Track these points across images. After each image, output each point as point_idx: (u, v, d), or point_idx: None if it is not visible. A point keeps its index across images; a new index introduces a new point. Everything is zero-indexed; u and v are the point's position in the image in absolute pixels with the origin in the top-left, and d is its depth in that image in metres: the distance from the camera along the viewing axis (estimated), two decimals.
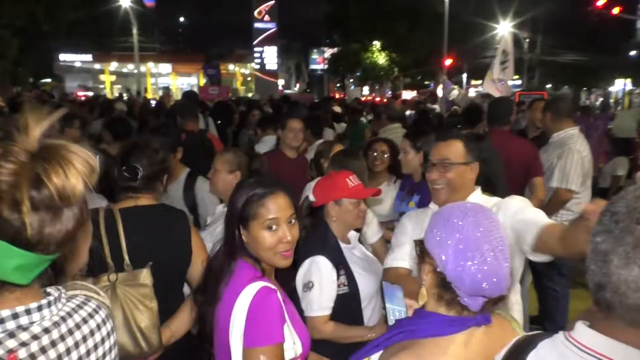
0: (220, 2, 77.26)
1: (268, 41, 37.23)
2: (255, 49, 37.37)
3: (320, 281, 2.20)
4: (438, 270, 1.30)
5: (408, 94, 21.62)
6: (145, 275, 2.00)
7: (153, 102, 13.35)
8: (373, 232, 2.95)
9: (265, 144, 5.09)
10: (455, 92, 12.78)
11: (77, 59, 33.49)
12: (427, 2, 25.02)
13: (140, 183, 2.17)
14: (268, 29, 37.10)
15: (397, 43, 28.34)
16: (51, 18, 18.16)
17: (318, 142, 5.05)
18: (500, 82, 8.10)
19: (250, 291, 1.57)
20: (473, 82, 28.44)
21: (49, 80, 30.63)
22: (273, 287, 1.62)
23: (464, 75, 31.22)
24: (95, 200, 2.80)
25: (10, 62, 18.74)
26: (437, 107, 12.89)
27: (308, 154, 4.67)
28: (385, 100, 19.67)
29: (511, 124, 4.84)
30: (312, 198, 2.42)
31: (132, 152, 2.20)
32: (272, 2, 36.99)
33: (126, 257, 2.02)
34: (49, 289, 0.98)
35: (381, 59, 31.00)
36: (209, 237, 2.52)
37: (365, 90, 36.16)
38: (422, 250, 1.37)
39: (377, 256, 2.63)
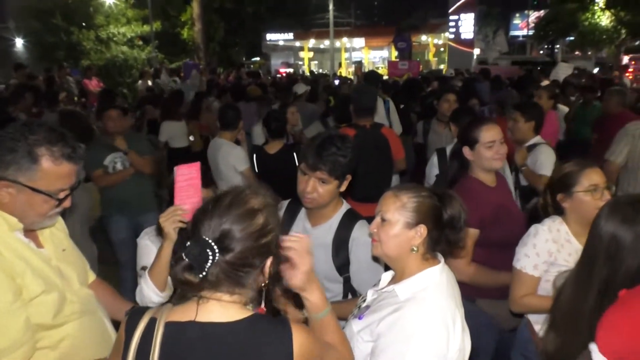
0: None
1: (465, 8, 34.52)
2: (451, 17, 35.00)
3: None
4: None
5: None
6: None
7: (337, 81, 13.04)
8: None
9: None
10: None
11: (280, 37, 35.75)
12: None
13: (212, 279, 1.14)
14: None
15: None
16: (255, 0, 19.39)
17: (539, 144, 3.43)
18: None
19: None
20: None
21: (257, 58, 33.19)
22: None
23: None
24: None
25: (218, 44, 20.61)
26: None
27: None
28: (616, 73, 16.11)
29: None
30: None
31: (206, 212, 1.17)
32: None
33: None
34: None
35: (604, 19, 25.93)
36: (367, 336, 1.53)
37: None
38: None
39: None
